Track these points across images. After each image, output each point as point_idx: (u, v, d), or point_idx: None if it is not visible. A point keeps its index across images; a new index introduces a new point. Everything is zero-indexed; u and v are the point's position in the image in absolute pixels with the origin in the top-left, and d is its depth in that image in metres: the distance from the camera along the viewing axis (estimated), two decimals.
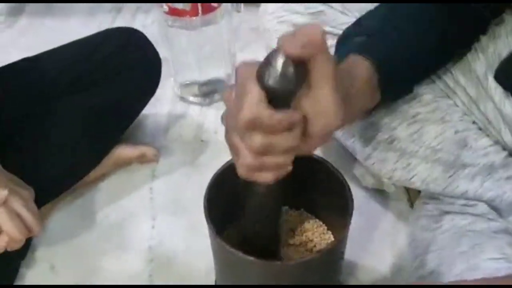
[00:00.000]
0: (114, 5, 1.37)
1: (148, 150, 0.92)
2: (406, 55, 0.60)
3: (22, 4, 1.39)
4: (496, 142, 0.68)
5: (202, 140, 0.98)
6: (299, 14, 0.80)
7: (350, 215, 0.56)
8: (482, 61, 0.67)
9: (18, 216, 0.63)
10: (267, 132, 0.43)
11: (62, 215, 0.86)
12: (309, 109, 0.44)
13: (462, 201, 0.69)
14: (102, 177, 0.91)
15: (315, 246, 0.67)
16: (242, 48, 1.12)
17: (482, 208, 0.67)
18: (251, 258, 0.52)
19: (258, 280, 0.56)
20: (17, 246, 0.64)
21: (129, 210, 0.87)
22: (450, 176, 0.67)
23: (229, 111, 0.46)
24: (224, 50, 1.00)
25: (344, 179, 0.60)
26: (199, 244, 0.77)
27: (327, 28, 0.75)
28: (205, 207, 0.57)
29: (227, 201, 0.62)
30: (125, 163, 0.92)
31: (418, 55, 0.62)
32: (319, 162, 0.62)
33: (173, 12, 0.91)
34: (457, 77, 0.69)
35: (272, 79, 0.41)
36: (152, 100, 0.94)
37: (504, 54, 0.65)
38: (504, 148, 0.67)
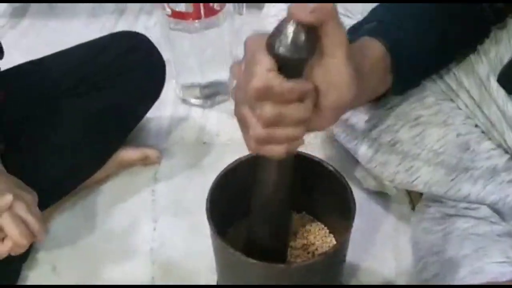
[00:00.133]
0: (116, 6, 1.37)
1: (151, 152, 0.92)
2: (416, 41, 0.59)
3: (24, 6, 1.40)
4: (499, 146, 0.67)
5: (204, 142, 0.99)
6: None
7: (352, 218, 0.56)
8: (485, 64, 0.67)
9: (23, 221, 0.63)
10: (278, 102, 0.41)
11: (64, 217, 0.86)
12: (321, 79, 0.43)
13: (465, 204, 0.69)
14: (105, 179, 0.91)
15: (316, 249, 0.67)
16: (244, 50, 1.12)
17: (485, 211, 0.67)
18: (253, 260, 0.52)
19: (260, 282, 0.56)
20: (21, 251, 0.63)
21: (131, 212, 0.87)
22: (452, 179, 0.67)
23: (238, 84, 0.45)
24: (226, 52, 1.00)
25: (346, 181, 0.60)
26: (201, 246, 0.77)
27: None
28: (207, 209, 0.57)
29: (229, 203, 0.62)
30: (127, 165, 0.92)
31: (427, 45, 0.61)
32: (321, 165, 0.62)
33: (176, 16, 0.92)
34: (460, 79, 0.68)
35: (282, 47, 0.40)
36: None
37: (506, 58, 0.65)
38: (506, 151, 0.67)
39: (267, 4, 0.87)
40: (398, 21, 0.60)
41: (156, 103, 0.94)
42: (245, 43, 0.44)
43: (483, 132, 0.69)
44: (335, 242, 0.67)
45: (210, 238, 0.58)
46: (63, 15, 1.36)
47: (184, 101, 1.06)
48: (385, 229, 0.82)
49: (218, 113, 1.04)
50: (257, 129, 0.43)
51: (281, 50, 0.40)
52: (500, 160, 0.67)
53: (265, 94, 0.41)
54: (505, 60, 0.65)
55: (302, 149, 0.50)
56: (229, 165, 0.62)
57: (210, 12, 0.91)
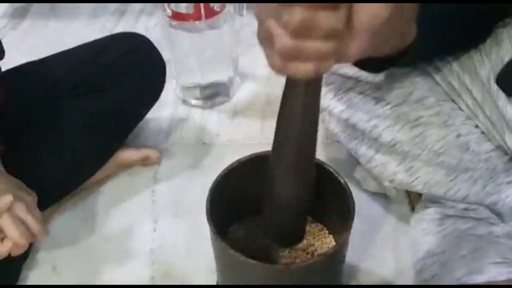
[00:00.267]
0: (117, 7, 1.37)
1: (151, 153, 0.92)
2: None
3: (25, 6, 1.40)
4: (498, 147, 0.68)
5: (204, 143, 0.99)
6: None
7: (351, 219, 0.57)
8: (486, 64, 0.67)
9: (22, 222, 0.63)
10: (309, 6, 0.36)
11: (64, 217, 0.86)
12: None
13: (464, 205, 0.69)
14: (105, 179, 0.91)
15: (316, 250, 0.67)
16: (244, 51, 1.12)
17: (484, 212, 0.67)
18: (253, 260, 0.52)
19: (260, 283, 0.56)
20: (20, 251, 0.64)
21: (131, 213, 0.87)
22: (452, 180, 0.67)
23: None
24: (226, 53, 1.00)
25: (346, 183, 0.60)
26: (201, 247, 0.77)
27: None
28: (207, 209, 0.57)
29: (229, 203, 0.62)
30: (128, 166, 0.92)
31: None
32: (321, 166, 0.62)
33: (176, 17, 0.92)
34: (463, 78, 0.68)
35: None
36: None
37: (507, 58, 0.65)
38: (506, 153, 0.68)
39: None
40: None
41: (156, 104, 0.94)
42: None
43: (483, 133, 0.69)
44: (334, 243, 0.67)
45: (210, 239, 0.58)
46: (64, 15, 1.37)
47: (184, 101, 1.06)
48: (385, 230, 0.82)
49: (218, 113, 1.04)
50: (284, 39, 0.38)
51: None
52: (500, 161, 0.67)
53: None
54: (506, 60, 0.65)
55: None
56: (229, 165, 0.62)
57: (211, 13, 0.92)
